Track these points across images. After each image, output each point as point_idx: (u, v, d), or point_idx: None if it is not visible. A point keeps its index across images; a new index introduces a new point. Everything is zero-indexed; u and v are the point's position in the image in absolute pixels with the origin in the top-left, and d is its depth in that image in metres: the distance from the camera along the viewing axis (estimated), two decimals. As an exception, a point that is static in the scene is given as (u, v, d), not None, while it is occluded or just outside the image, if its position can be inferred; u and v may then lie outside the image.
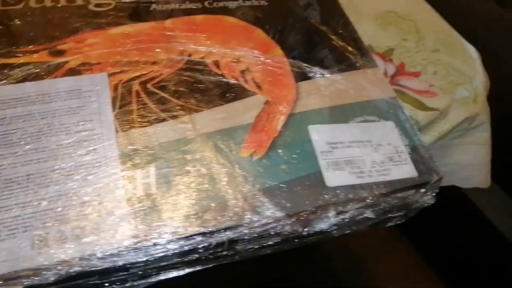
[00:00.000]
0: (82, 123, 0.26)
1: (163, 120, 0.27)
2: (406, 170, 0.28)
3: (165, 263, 0.25)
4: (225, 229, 0.25)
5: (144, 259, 0.24)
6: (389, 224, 0.31)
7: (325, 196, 0.26)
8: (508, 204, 0.62)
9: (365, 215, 0.27)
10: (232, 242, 0.26)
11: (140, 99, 0.28)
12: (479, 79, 0.44)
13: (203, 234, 0.24)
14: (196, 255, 0.25)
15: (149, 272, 0.25)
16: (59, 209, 0.23)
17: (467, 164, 0.45)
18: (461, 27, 0.48)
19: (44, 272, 0.22)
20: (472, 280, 0.62)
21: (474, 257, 0.64)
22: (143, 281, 0.26)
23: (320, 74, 0.32)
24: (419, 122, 0.42)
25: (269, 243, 0.27)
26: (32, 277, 0.22)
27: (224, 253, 0.26)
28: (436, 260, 0.66)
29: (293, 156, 0.27)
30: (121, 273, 0.24)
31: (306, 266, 0.60)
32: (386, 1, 0.49)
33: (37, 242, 0.22)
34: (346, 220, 0.27)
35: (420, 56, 0.44)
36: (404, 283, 0.63)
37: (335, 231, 0.29)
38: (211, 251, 0.26)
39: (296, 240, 0.28)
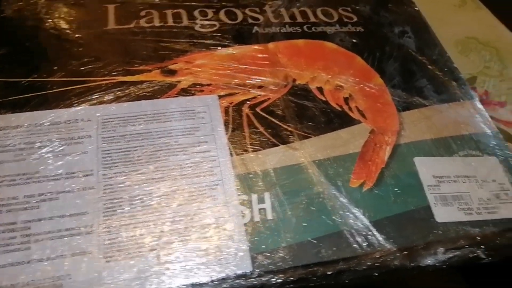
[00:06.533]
0: (197, 144, 0.27)
1: (274, 145, 0.28)
2: (514, 210, 0.28)
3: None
4: (340, 260, 0.25)
5: (261, 285, 0.24)
6: (483, 261, 0.31)
7: (436, 232, 0.26)
8: None
9: (476, 254, 0.26)
10: (340, 272, 0.26)
11: (251, 123, 0.28)
12: None
13: (318, 264, 0.24)
14: (304, 283, 0.26)
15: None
16: (181, 230, 0.24)
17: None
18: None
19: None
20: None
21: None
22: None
23: (420, 104, 0.32)
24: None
25: (372, 274, 0.27)
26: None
27: (327, 281, 0.27)
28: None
29: (401, 188, 0.27)
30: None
31: None
32: (466, 27, 0.49)
33: (163, 262, 0.23)
34: (454, 258, 0.26)
35: (504, 85, 0.43)
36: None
37: (432, 266, 0.28)
38: (318, 280, 0.26)
39: (395, 273, 0.28)
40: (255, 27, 0.34)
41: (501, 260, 0.30)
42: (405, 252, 0.26)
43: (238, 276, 0.23)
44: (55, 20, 0.32)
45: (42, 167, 0.25)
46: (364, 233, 0.25)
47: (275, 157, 0.27)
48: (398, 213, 0.26)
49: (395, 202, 0.27)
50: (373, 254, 0.25)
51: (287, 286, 0.25)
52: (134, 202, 0.25)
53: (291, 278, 0.24)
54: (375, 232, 0.26)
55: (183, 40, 0.32)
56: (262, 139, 0.28)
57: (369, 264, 0.26)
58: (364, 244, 0.25)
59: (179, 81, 0.30)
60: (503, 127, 0.41)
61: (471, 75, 0.44)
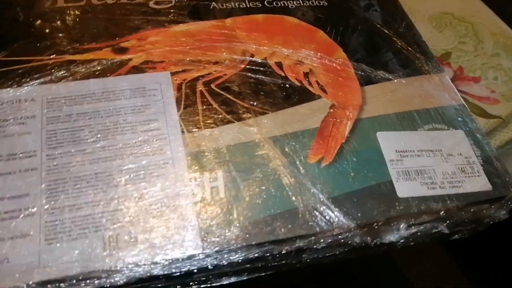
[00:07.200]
0: (147, 122, 0.26)
1: (229, 122, 0.26)
2: (479, 183, 0.27)
3: (229, 269, 0.25)
4: (296, 238, 0.24)
5: (212, 265, 0.23)
6: (454, 237, 0.30)
7: (397, 207, 0.25)
8: None
9: (439, 229, 0.25)
10: (299, 250, 0.25)
11: (205, 99, 0.27)
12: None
13: (273, 242, 0.23)
14: (262, 263, 0.25)
15: (211, 277, 0.25)
16: (128, 210, 0.23)
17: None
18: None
19: (115, 275, 0.21)
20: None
21: None
22: (203, 286, 0.25)
23: (384, 78, 0.31)
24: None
25: (335, 252, 0.26)
26: (102, 279, 0.21)
27: (288, 261, 0.26)
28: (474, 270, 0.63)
29: (361, 163, 0.26)
30: (185, 278, 0.24)
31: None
32: (441, 2, 0.47)
33: (108, 243, 0.22)
34: (418, 233, 0.26)
35: (479, 60, 0.42)
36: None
37: (400, 243, 0.27)
38: (276, 259, 0.25)
39: (360, 251, 0.27)
40: (213, 3, 0.33)
41: (470, 235, 0.29)
42: (365, 229, 0.25)
43: (188, 257, 0.22)
44: (2, -2, 0.31)
45: (-19, 149, 0.24)
46: (321, 209, 0.24)
47: (229, 134, 0.26)
48: (358, 189, 0.25)
49: (355, 178, 0.26)
50: (332, 231, 0.24)
51: (242, 266, 0.24)
52: (79, 183, 0.23)
53: (245, 258, 0.23)
54: (333, 208, 0.25)
55: (136, 17, 0.31)
56: (216, 116, 0.27)
57: (329, 241, 0.25)
58: (321, 221, 0.24)
59: (130, 59, 0.28)
60: (477, 103, 0.40)
61: (446, 50, 0.43)
